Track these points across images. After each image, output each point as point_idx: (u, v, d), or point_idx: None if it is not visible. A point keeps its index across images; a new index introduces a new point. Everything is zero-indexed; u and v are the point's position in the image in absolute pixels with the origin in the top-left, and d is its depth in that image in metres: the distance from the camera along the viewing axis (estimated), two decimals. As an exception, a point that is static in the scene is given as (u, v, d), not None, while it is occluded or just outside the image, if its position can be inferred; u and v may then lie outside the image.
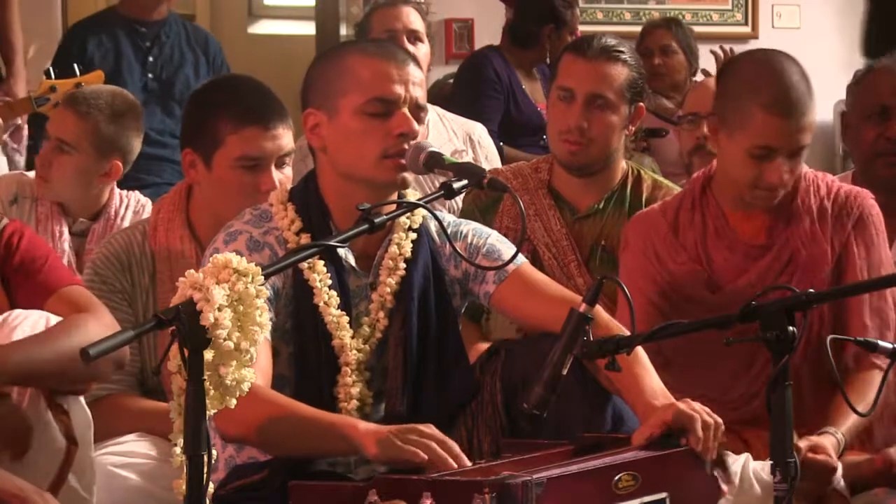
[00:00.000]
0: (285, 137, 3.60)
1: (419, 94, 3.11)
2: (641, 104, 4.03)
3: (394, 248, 3.15)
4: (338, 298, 3.08)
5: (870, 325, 3.49)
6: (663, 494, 2.74)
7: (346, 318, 3.09)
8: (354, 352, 3.09)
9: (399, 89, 3.08)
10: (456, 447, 2.76)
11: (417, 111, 3.11)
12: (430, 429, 2.78)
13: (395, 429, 2.79)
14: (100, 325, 2.95)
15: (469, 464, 2.75)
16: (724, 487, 2.88)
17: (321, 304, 3.07)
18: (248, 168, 3.57)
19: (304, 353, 3.08)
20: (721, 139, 3.54)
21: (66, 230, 4.36)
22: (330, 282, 3.08)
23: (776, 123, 3.43)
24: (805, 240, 3.51)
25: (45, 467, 2.89)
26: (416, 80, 3.12)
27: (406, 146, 3.06)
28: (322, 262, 3.08)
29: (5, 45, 5.29)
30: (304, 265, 3.07)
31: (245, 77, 3.84)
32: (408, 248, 3.15)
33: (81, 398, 2.98)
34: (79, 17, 6.50)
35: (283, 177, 3.58)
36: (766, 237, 3.55)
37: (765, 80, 3.48)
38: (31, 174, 4.53)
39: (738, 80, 3.54)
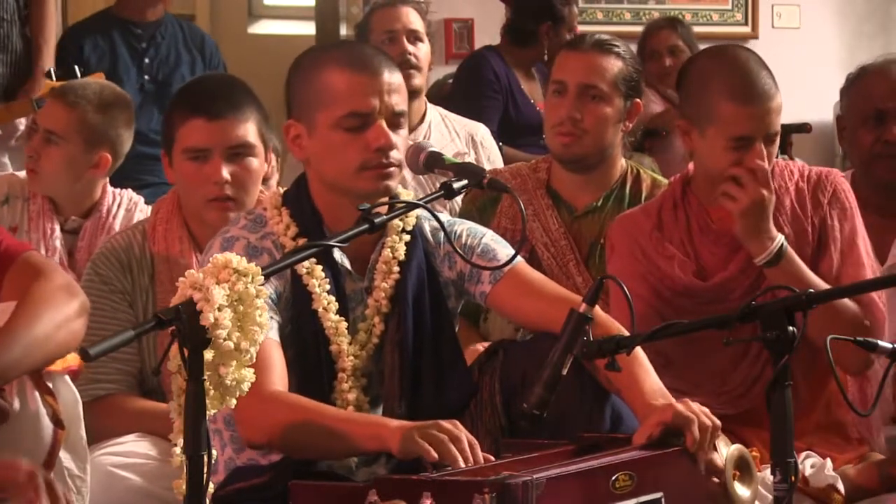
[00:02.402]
0: (236, 129, 3.58)
1: (395, 100, 3.08)
2: (638, 100, 4.03)
3: (387, 252, 3.14)
4: (336, 304, 3.08)
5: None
6: (659, 494, 2.74)
7: (345, 324, 3.08)
8: (351, 357, 3.08)
9: (373, 101, 3.05)
10: (469, 445, 2.74)
11: (395, 118, 3.08)
12: (451, 424, 2.76)
13: (418, 424, 2.79)
14: (56, 292, 2.95)
15: (482, 461, 2.75)
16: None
17: (320, 309, 3.07)
18: (195, 159, 3.58)
19: (303, 358, 3.07)
20: (694, 139, 3.53)
21: (57, 228, 4.34)
22: (328, 287, 3.08)
23: (746, 112, 3.43)
24: (787, 218, 3.53)
25: (34, 453, 2.88)
26: (393, 86, 3.08)
27: (384, 159, 3.04)
28: (320, 267, 3.08)
29: (36, 41, 5.29)
30: (303, 270, 3.06)
31: (217, 75, 3.86)
32: (402, 251, 3.14)
33: (66, 376, 2.97)
34: (79, 18, 6.50)
35: (239, 169, 3.57)
36: None
37: (724, 72, 3.49)
38: (23, 174, 4.52)
39: (697, 77, 3.54)
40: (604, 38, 4.02)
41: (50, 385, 2.91)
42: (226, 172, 3.56)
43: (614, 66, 3.97)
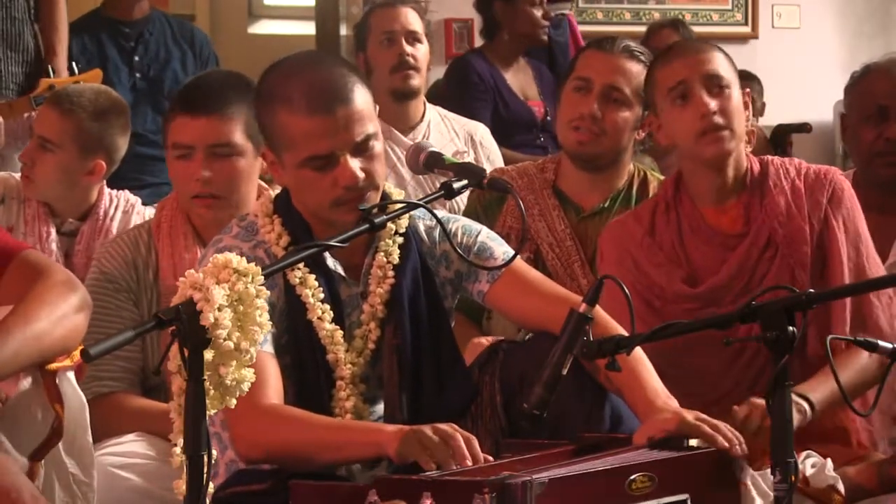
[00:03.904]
0: (219, 127, 3.57)
1: (357, 131, 2.99)
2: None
3: (381, 256, 3.11)
4: (331, 312, 3.06)
5: (849, 322, 3.47)
6: (684, 496, 2.72)
7: (340, 333, 3.07)
8: (349, 365, 3.07)
9: (331, 142, 2.98)
10: (466, 442, 2.73)
11: (362, 145, 3.01)
12: (447, 426, 2.76)
13: (414, 428, 2.78)
14: (54, 288, 2.94)
15: (482, 458, 2.74)
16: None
17: (315, 319, 3.05)
18: (180, 157, 3.61)
19: (301, 367, 3.06)
20: (659, 126, 3.58)
21: (53, 231, 4.30)
22: (322, 295, 3.06)
23: (677, 62, 3.53)
24: (781, 219, 3.51)
25: (24, 447, 2.88)
26: (351, 117, 2.98)
27: (356, 193, 2.99)
28: (313, 276, 3.06)
29: (47, 42, 5.27)
30: (296, 280, 3.05)
31: (218, 71, 3.85)
32: (395, 255, 3.12)
33: (72, 377, 2.96)
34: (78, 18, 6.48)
35: (222, 168, 3.57)
36: (743, 224, 3.55)
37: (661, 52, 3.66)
38: (18, 175, 4.49)
39: (647, 75, 3.67)
40: (633, 46, 4.06)
41: (61, 388, 2.91)
42: (206, 171, 3.56)
43: (640, 73, 3.97)
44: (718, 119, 3.46)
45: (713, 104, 3.46)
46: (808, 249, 3.49)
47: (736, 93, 3.51)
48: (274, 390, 2.93)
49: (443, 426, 2.76)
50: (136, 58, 5.76)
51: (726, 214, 3.56)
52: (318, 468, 2.88)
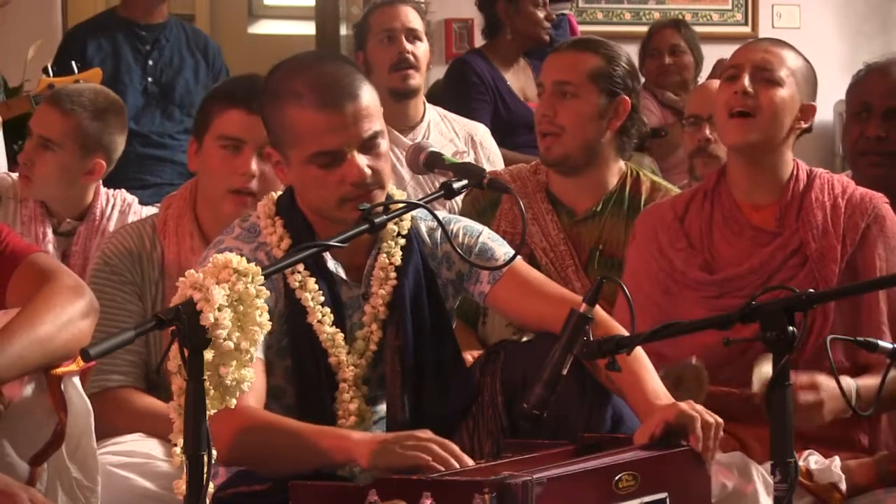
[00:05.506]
0: None
1: (365, 127, 3.00)
2: (625, 98, 3.98)
3: (383, 258, 3.11)
4: (331, 315, 3.06)
5: (886, 331, 3.46)
6: (663, 494, 2.73)
7: (341, 335, 3.06)
8: (351, 367, 3.06)
9: (340, 137, 2.98)
10: (456, 449, 2.75)
11: (369, 142, 3.01)
12: (427, 434, 2.76)
13: (391, 436, 2.78)
14: (61, 292, 2.94)
15: (472, 463, 2.75)
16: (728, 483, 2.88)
17: (315, 322, 3.05)
18: (227, 147, 3.59)
19: (302, 370, 3.06)
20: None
21: (49, 231, 4.31)
22: (322, 299, 3.05)
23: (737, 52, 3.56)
24: (816, 232, 3.50)
25: (26, 453, 2.88)
26: (359, 114, 3.00)
27: (363, 190, 3.00)
28: (313, 280, 3.05)
29: None
30: (296, 283, 3.05)
31: (256, 74, 3.86)
32: (398, 256, 3.11)
33: (77, 383, 2.95)
34: (79, 18, 6.49)
35: (269, 167, 3.55)
36: (777, 225, 3.54)
37: None
38: (15, 175, 4.49)
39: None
40: (585, 38, 4.11)
41: (65, 398, 2.90)
42: (255, 166, 3.56)
43: (588, 61, 3.96)
44: (747, 101, 3.47)
45: (750, 89, 3.47)
46: (835, 268, 3.47)
47: (786, 94, 3.50)
48: (254, 396, 2.91)
49: (418, 433, 2.76)
50: (150, 62, 5.77)
51: (760, 212, 3.56)
52: (289, 471, 2.85)
